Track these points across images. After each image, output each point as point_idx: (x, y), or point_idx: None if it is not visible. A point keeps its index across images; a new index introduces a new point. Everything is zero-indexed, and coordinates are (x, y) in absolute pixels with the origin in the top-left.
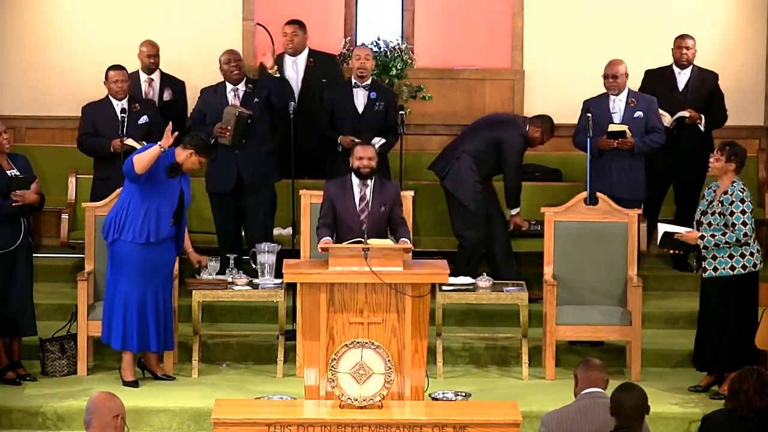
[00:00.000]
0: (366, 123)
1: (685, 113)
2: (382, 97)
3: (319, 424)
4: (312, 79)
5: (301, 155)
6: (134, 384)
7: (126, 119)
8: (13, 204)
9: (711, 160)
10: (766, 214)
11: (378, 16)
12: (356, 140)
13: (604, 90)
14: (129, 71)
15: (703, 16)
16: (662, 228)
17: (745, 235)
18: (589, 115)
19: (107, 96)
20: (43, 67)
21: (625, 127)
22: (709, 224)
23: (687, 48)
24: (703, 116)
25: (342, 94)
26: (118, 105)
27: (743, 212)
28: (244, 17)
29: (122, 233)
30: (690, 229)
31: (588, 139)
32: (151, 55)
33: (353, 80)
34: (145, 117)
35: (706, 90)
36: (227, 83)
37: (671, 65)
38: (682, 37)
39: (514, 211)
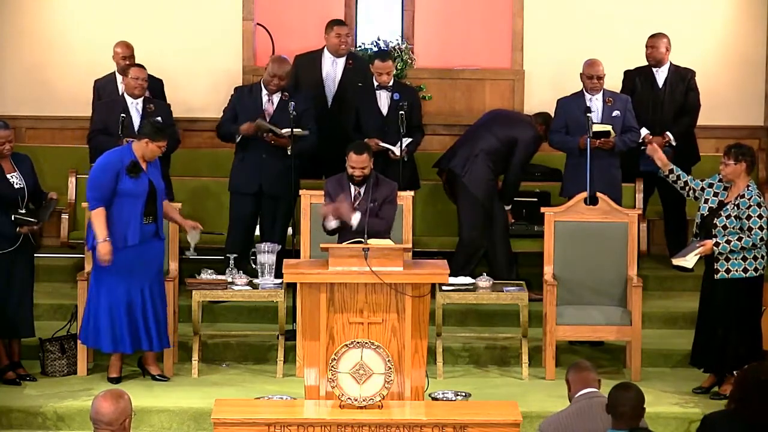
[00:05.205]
0: (391, 124)
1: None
2: (405, 98)
3: (319, 424)
4: (349, 81)
5: (334, 157)
6: (115, 380)
7: (131, 120)
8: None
9: (720, 166)
10: None
11: (378, 16)
12: (380, 143)
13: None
14: (105, 73)
15: (703, 17)
16: (677, 263)
17: (762, 239)
18: (589, 115)
19: (122, 94)
20: (43, 66)
21: (609, 127)
22: (724, 227)
23: (652, 47)
24: (668, 133)
25: (366, 96)
26: (132, 104)
27: (760, 216)
28: (244, 17)
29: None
30: (702, 243)
31: (588, 139)
32: (126, 57)
33: (375, 82)
34: (159, 119)
35: (684, 86)
36: (263, 86)
37: (649, 65)
38: (650, 36)
39: (506, 208)
